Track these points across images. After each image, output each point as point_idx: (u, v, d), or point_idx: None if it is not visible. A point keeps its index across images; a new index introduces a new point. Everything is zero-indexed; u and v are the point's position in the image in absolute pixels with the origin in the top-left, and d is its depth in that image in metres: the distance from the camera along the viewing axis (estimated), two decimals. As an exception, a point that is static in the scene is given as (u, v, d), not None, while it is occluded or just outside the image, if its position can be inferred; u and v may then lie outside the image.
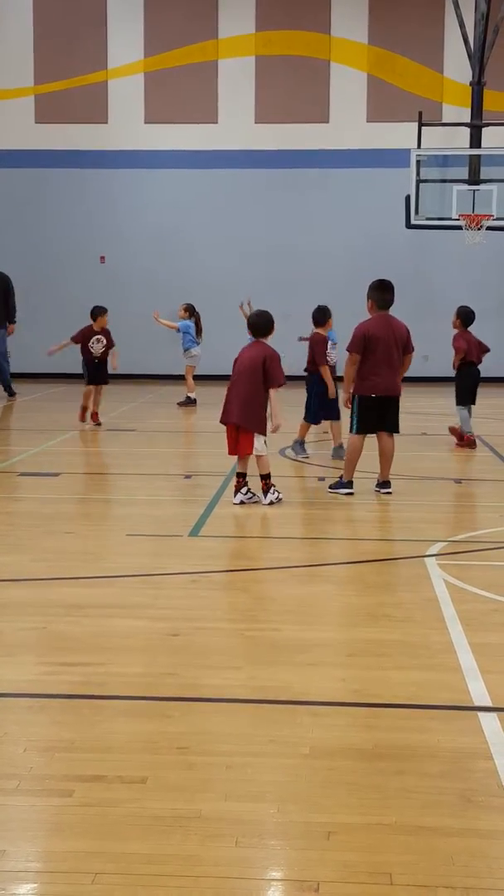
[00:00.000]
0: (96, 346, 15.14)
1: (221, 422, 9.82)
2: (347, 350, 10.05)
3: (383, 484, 10.11)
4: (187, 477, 11.18)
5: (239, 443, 9.67)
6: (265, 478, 9.61)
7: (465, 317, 13.91)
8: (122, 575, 7.13)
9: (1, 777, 4.01)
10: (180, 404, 18.23)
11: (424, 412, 17.32)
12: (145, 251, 25.08)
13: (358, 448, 10.09)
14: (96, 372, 15.21)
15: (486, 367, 24.90)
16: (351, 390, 10.03)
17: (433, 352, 24.03)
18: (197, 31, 24.64)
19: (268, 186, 24.56)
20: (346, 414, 10.64)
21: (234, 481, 9.72)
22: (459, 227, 20.34)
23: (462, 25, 21.09)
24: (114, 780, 3.98)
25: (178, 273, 24.79)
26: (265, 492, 9.59)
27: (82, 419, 15.18)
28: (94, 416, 15.23)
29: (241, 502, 9.58)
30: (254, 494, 9.63)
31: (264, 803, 3.81)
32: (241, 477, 9.66)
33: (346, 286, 24.28)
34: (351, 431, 10.14)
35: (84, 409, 15.23)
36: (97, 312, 15.45)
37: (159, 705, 4.76)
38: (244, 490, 9.62)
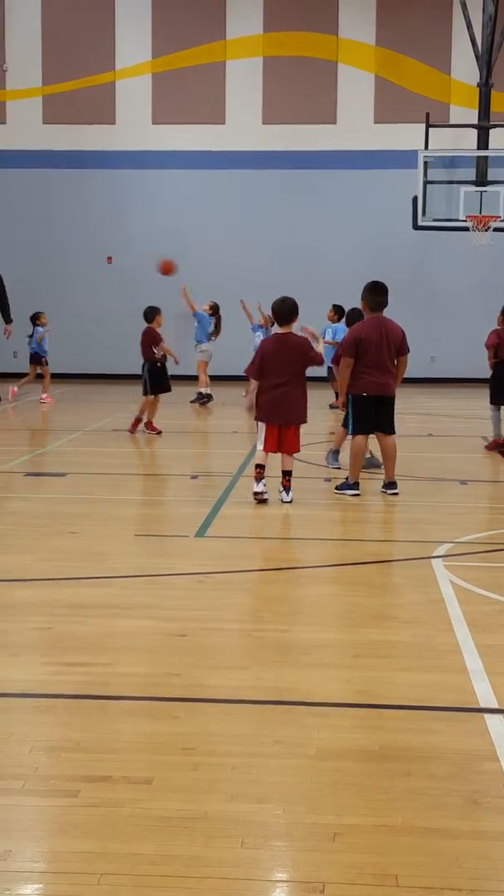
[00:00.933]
0: (158, 349, 14.69)
1: (282, 424, 9.66)
2: (340, 354, 10.09)
3: (389, 485, 10.12)
4: (194, 477, 11.18)
5: (285, 440, 9.68)
6: (290, 474, 9.73)
7: None
8: (128, 575, 7.13)
9: (7, 777, 4.01)
10: (193, 402, 18.23)
11: (430, 413, 17.31)
12: (152, 252, 25.07)
13: (362, 449, 10.10)
14: (162, 378, 14.55)
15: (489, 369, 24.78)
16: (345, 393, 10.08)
17: (439, 353, 24.09)
18: (205, 31, 24.65)
19: (275, 187, 24.57)
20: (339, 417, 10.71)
21: (273, 480, 9.81)
22: (466, 229, 20.33)
23: (469, 27, 21.07)
24: (119, 780, 3.98)
25: (184, 273, 24.78)
26: (287, 489, 9.69)
27: (134, 430, 14.46)
28: (150, 424, 14.48)
29: (262, 492, 9.62)
30: (267, 490, 9.74)
31: (270, 804, 3.81)
32: (262, 469, 9.67)
33: (354, 287, 24.21)
34: (349, 434, 10.16)
35: (139, 420, 14.53)
36: (155, 312, 14.91)
37: (165, 706, 4.76)
38: (263, 483, 9.66)
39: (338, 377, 10.12)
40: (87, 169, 24.96)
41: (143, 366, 14.55)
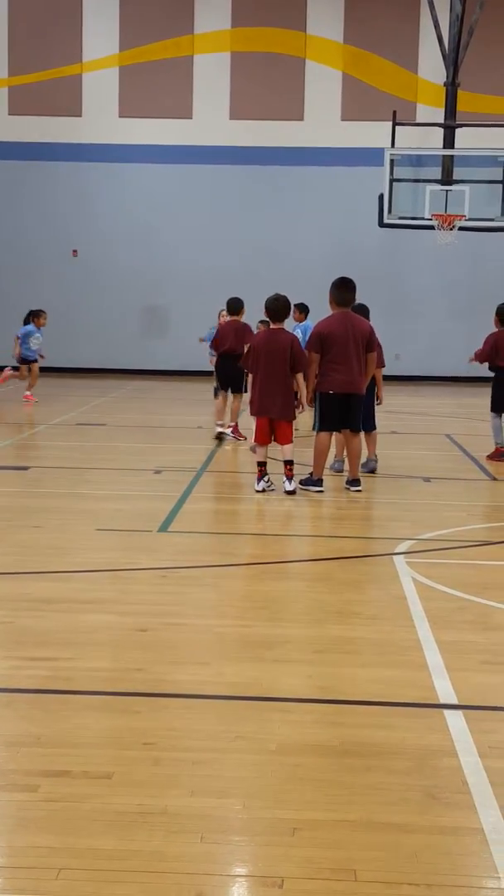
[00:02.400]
0: None
1: (259, 415, 9.95)
2: (306, 349, 10.12)
3: (353, 482, 10.15)
4: (157, 472, 11.16)
5: (277, 432, 9.92)
6: (291, 464, 9.84)
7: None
8: (90, 570, 7.11)
9: (-34, 771, 3.99)
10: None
11: (395, 410, 17.36)
12: (118, 245, 25.02)
13: (325, 446, 10.14)
14: (239, 374, 13.19)
15: (459, 367, 24.98)
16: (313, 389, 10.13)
17: (404, 350, 24.18)
18: (172, 25, 24.60)
19: (242, 183, 24.58)
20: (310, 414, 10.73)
21: (256, 471, 10.03)
22: (432, 227, 20.42)
23: (437, 26, 21.15)
24: (79, 775, 3.97)
25: (150, 267, 24.77)
26: (290, 478, 9.81)
27: (237, 434, 13.60)
28: (236, 429, 13.63)
29: (263, 490, 9.81)
30: (272, 483, 9.92)
31: (230, 799, 3.82)
32: (264, 465, 9.92)
33: (320, 283, 24.31)
34: (314, 429, 10.21)
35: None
36: (240, 305, 13.75)
37: (126, 701, 4.75)
38: (266, 479, 9.88)
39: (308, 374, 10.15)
40: (54, 161, 24.87)
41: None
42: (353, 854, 3.44)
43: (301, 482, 10.20)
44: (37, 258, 24.97)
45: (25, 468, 11.10)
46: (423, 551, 7.81)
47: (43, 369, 21.68)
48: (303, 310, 17.26)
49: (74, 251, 25.19)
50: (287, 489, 9.78)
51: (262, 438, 9.93)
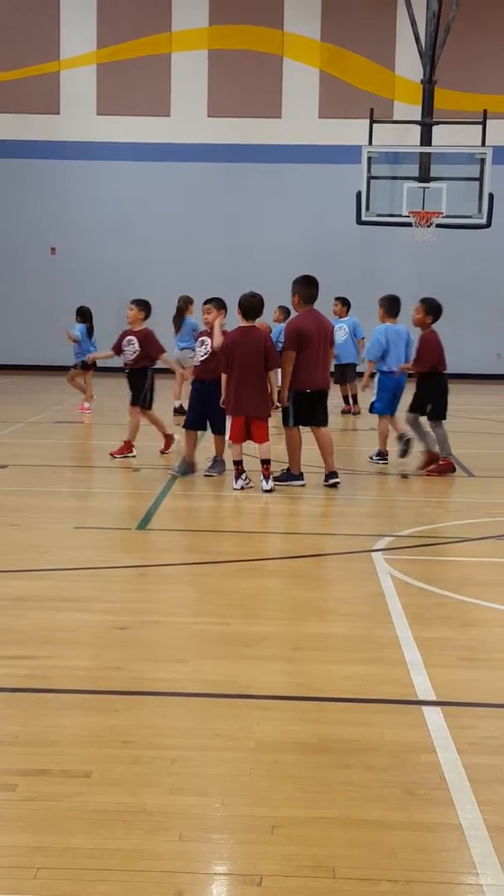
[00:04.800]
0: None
1: (235, 413, 9.97)
2: (284, 348, 10.14)
3: (330, 475, 10.17)
4: (136, 470, 11.15)
5: (253, 431, 9.94)
6: (268, 463, 9.87)
7: (437, 311, 11.43)
8: (69, 568, 7.10)
9: None
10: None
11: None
12: (96, 243, 24.97)
13: (298, 440, 10.25)
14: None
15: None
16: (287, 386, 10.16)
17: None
18: (150, 23, 24.56)
19: (220, 180, 24.56)
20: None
21: (232, 469, 10.11)
22: (410, 224, 20.45)
23: (414, 24, 21.18)
24: (58, 773, 3.96)
25: (128, 265, 24.72)
26: (267, 477, 9.84)
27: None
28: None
29: (241, 488, 9.84)
30: (250, 480, 9.98)
31: (209, 797, 3.81)
32: (240, 464, 9.95)
33: (297, 281, 24.36)
34: (287, 425, 10.22)
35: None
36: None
37: (105, 699, 4.75)
38: (244, 476, 9.93)
39: (282, 371, 10.17)
40: (31, 158, 24.79)
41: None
42: (331, 851, 3.45)
43: (279, 479, 10.20)
44: (15, 256, 24.89)
45: (3, 466, 11.07)
46: (401, 548, 7.83)
47: (20, 367, 21.61)
48: (284, 311, 17.22)
49: (53, 249, 25.12)
50: (265, 488, 9.78)
51: (238, 437, 9.94)
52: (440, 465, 11.04)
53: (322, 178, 24.29)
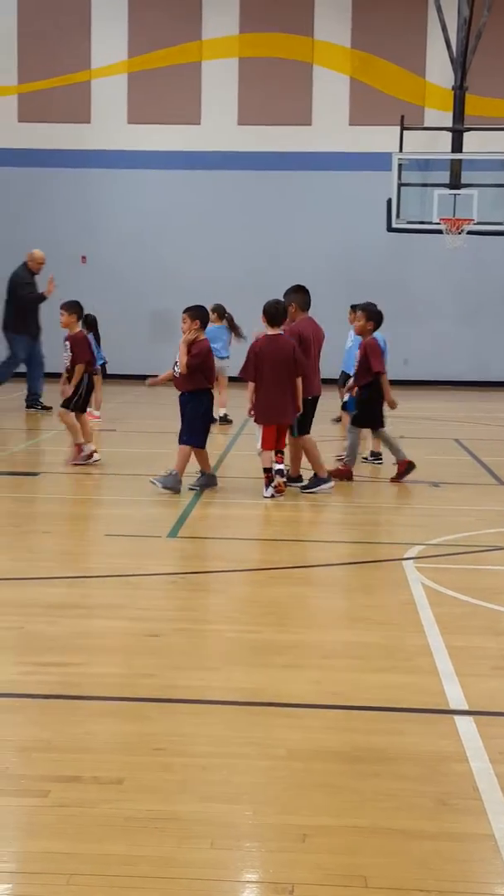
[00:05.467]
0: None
1: (266, 422, 9.92)
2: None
3: (327, 478, 10.33)
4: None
5: (282, 437, 10.02)
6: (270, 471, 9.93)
7: (378, 317, 11.38)
8: (100, 575, 7.12)
9: (-23, 777, 4.00)
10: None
11: (403, 415, 17.34)
12: (126, 252, 25.05)
13: (314, 443, 10.39)
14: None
15: (461, 371, 25.00)
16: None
17: (412, 355, 24.16)
18: (181, 32, 24.63)
19: (250, 188, 24.58)
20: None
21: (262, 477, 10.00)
22: (440, 231, 20.41)
23: (444, 30, 21.15)
24: (90, 780, 3.98)
25: (158, 274, 24.80)
26: (267, 485, 9.87)
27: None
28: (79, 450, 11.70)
29: (272, 496, 9.82)
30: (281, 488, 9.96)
31: (240, 805, 3.82)
32: (271, 472, 9.90)
33: (328, 288, 24.32)
34: (294, 434, 10.34)
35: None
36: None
37: (137, 706, 4.76)
38: (275, 484, 9.88)
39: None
40: (63, 168, 24.89)
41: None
42: (363, 860, 3.44)
43: (307, 487, 10.21)
44: (46, 265, 24.97)
45: (35, 474, 11.13)
46: (433, 556, 7.81)
47: (53, 375, 21.70)
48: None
49: (83, 257, 25.22)
50: (266, 494, 9.83)
51: (271, 444, 9.94)
52: (339, 470, 10.91)
53: (352, 185, 24.26)
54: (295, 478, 10.48)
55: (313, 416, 10.50)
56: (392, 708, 4.78)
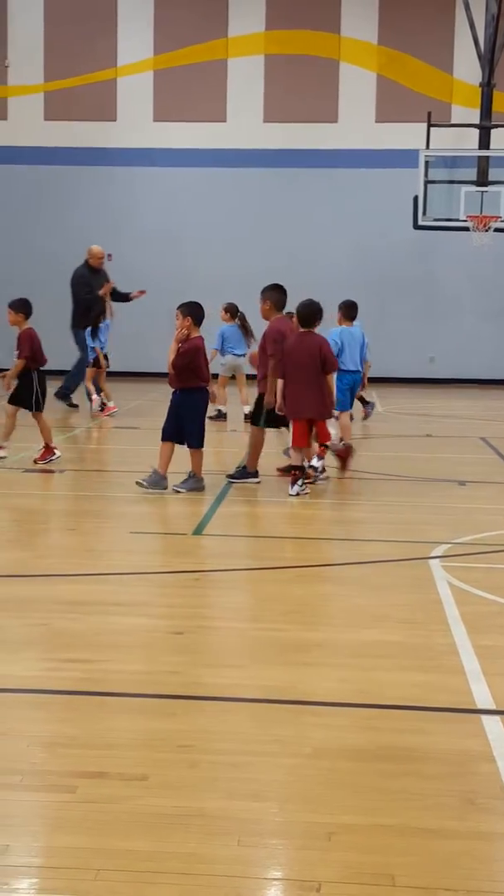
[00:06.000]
0: None
1: (295, 417, 9.97)
2: (272, 355, 10.19)
3: (254, 474, 10.47)
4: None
5: (319, 433, 10.07)
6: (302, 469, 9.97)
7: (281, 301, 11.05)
8: (125, 572, 7.13)
9: (3, 772, 4.01)
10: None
11: (429, 413, 17.31)
12: (152, 249, 25.07)
13: (262, 440, 10.52)
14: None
15: (487, 370, 24.86)
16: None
17: (438, 353, 24.10)
18: (207, 29, 24.62)
19: (275, 185, 24.55)
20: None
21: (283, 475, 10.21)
22: (467, 229, 20.33)
23: (472, 27, 21.06)
24: (116, 777, 3.99)
25: (184, 271, 24.80)
26: (294, 483, 9.86)
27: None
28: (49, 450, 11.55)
29: (297, 494, 9.78)
30: (307, 487, 9.94)
31: (266, 802, 3.82)
32: (299, 469, 9.89)
33: (352, 286, 24.26)
34: (258, 424, 10.44)
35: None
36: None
37: (162, 703, 4.76)
38: (301, 482, 9.85)
39: (268, 378, 10.23)
40: (88, 166, 24.93)
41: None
42: (390, 859, 3.43)
43: (234, 476, 10.45)
44: (74, 263, 25.03)
45: (61, 471, 11.15)
46: (459, 555, 7.78)
47: (57, 372, 21.78)
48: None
49: (109, 255, 25.26)
50: (290, 493, 9.82)
51: (302, 441, 9.95)
52: (339, 451, 10.99)
53: (379, 182, 24.19)
54: (252, 473, 10.54)
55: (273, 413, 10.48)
56: (419, 707, 4.77)
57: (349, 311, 12.53)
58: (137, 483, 9.79)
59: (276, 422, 10.50)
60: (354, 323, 12.55)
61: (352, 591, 6.85)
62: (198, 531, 8.43)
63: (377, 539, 8.44)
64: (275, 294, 10.66)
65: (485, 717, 4.61)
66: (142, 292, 17.02)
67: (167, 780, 3.97)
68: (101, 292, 16.68)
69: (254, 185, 24.62)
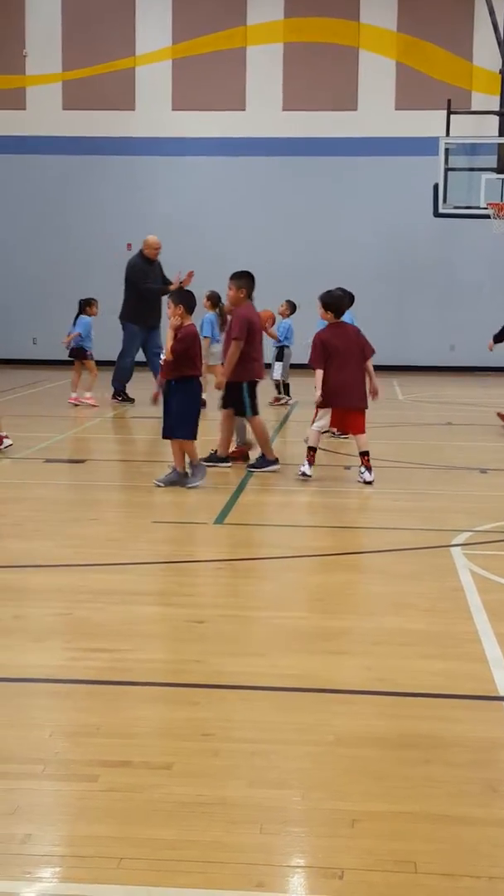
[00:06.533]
0: None
1: (346, 406, 10.06)
2: (235, 338, 10.33)
3: (275, 461, 10.52)
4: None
5: (352, 422, 10.14)
6: (367, 454, 10.02)
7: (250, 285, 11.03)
8: (147, 562, 7.15)
9: (27, 761, 4.03)
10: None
11: (450, 401, 17.26)
12: (171, 238, 24.99)
13: (265, 426, 10.65)
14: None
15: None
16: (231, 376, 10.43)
17: (459, 341, 24.01)
18: (225, 17, 24.56)
19: (295, 174, 24.48)
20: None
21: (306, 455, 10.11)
22: (487, 216, 20.23)
23: (492, 13, 20.95)
24: (139, 765, 4.00)
25: (203, 260, 24.74)
26: (369, 469, 9.96)
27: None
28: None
29: (303, 474, 9.95)
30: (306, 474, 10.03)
31: (289, 790, 3.82)
32: (366, 455, 10.00)
33: (374, 274, 24.21)
34: (247, 415, 10.52)
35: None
36: None
37: (184, 692, 4.77)
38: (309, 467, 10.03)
39: (227, 360, 10.38)
40: (107, 155, 24.92)
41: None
42: (413, 846, 3.43)
43: (255, 466, 10.52)
44: (91, 252, 25.06)
45: (82, 461, 11.18)
46: (481, 543, 7.76)
47: (97, 363, 21.82)
48: (291, 306, 16.97)
49: (129, 245, 25.27)
50: (367, 479, 9.87)
51: (341, 426, 10.41)
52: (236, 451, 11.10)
53: (399, 170, 24.10)
54: (222, 458, 10.68)
55: (256, 399, 10.60)
56: (441, 694, 4.76)
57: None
58: (155, 483, 9.69)
59: (257, 409, 10.57)
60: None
61: (373, 580, 6.84)
62: (219, 520, 8.43)
63: (398, 527, 8.43)
64: (247, 281, 10.76)
65: (507, 705, 4.61)
66: (190, 273, 16.24)
67: (189, 769, 3.97)
68: (172, 287, 15.48)
69: (272, 173, 24.56)
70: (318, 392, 10.02)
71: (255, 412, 10.57)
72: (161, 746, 4.17)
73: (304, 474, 9.96)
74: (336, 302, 10.28)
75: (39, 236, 24.92)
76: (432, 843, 3.45)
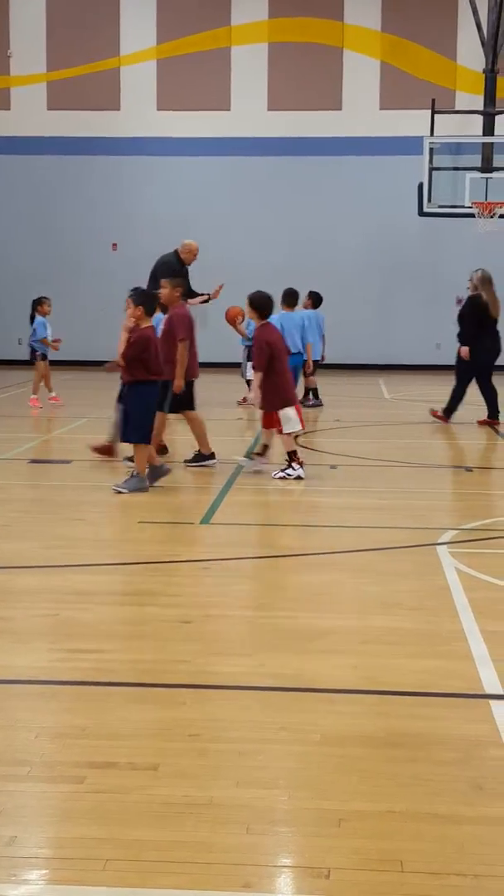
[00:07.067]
0: None
1: (291, 405, 10.16)
2: (180, 339, 10.28)
3: (210, 455, 10.69)
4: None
5: (277, 421, 10.23)
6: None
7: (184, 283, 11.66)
8: (133, 562, 7.13)
9: (13, 763, 4.02)
10: None
11: (436, 400, 17.26)
12: (157, 238, 24.98)
13: (202, 421, 10.75)
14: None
15: (501, 356, 24.64)
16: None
17: (444, 340, 24.03)
18: (210, 17, 24.55)
19: (280, 174, 24.50)
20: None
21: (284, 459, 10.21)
22: (472, 215, 20.27)
23: (475, 13, 20.98)
24: (125, 766, 3.99)
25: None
26: (300, 465, 10.12)
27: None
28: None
29: (282, 478, 10.01)
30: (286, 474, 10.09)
31: (276, 790, 3.82)
32: (296, 454, 10.13)
33: (358, 274, 24.24)
34: (164, 411, 10.44)
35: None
36: None
37: (171, 692, 4.76)
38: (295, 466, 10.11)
39: (179, 361, 10.28)
40: (92, 155, 24.89)
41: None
42: (399, 845, 3.43)
43: (191, 461, 10.67)
44: (77, 252, 25.03)
45: (68, 461, 11.16)
46: (467, 541, 7.77)
47: (82, 363, 21.75)
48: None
49: (114, 245, 25.24)
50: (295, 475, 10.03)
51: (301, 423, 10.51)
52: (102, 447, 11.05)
53: (383, 170, 24.13)
54: (207, 455, 10.74)
55: (194, 396, 10.71)
56: (427, 693, 4.76)
57: (288, 298, 14.49)
58: (115, 489, 9.38)
59: (179, 406, 10.61)
60: (296, 309, 14.65)
61: (360, 579, 6.84)
62: (206, 520, 8.43)
63: (385, 526, 8.43)
64: (182, 280, 11.00)
65: (493, 703, 4.61)
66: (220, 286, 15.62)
67: (176, 770, 3.97)
68: (202, 298, 14.51)
69: (258, 173, 24.57)
70: (258, 395, 10.16)
71: (194, 408, 10.64)
72: (147, 747, 4.17)
73: (298, 477, 9.93)
74: (266, 303, 10.24)
75: (25, 237, 24.88)
76: (418, 842, 3.45)
